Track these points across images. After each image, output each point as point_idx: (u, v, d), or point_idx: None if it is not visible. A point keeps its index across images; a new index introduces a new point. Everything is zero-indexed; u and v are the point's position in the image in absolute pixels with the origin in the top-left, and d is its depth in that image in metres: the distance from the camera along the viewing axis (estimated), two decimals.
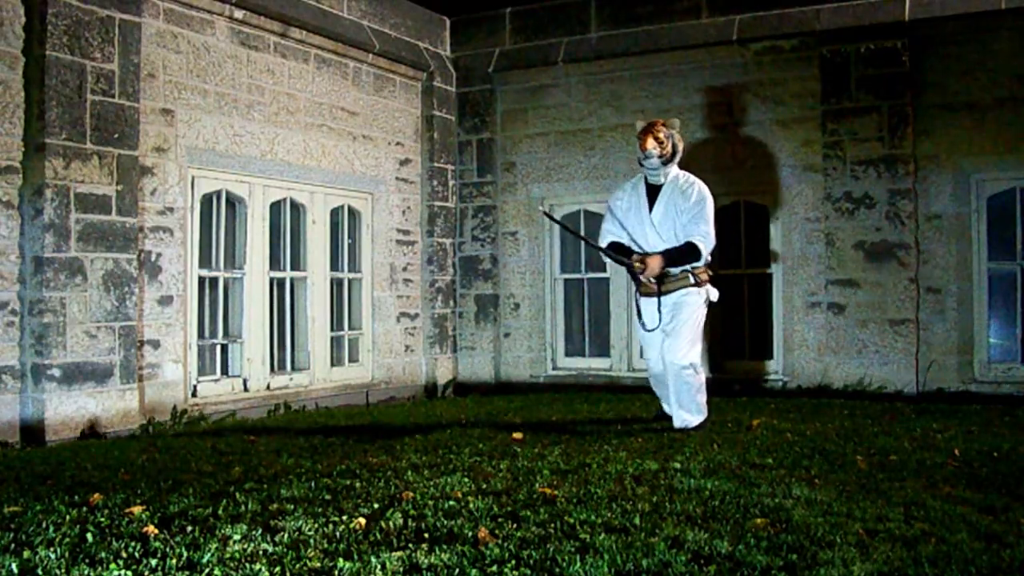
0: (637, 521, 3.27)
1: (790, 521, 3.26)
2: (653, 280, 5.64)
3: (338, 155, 8.24)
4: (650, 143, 5.62)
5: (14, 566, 2.75)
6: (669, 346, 5.65)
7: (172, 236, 6.70)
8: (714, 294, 5.79)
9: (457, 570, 2.72)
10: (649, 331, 5.77)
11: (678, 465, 4.40)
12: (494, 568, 2.72)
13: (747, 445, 5.07)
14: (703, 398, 5.80)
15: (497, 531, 3.13)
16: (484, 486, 3.91)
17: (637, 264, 5.63)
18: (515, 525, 3.22)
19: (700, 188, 5.71)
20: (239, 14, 7.21)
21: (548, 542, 2.99)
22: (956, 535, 3.08)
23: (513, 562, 2.78)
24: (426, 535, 3.09)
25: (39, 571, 2.73)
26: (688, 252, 5.63)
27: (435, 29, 9.46)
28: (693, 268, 5.67)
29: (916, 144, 7.85)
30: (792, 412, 6.68)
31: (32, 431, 5.71)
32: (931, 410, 6.79)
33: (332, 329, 8.27)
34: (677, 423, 5.74)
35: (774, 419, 6.24)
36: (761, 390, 8.20)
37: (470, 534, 3.08)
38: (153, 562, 2.78)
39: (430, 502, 3.59)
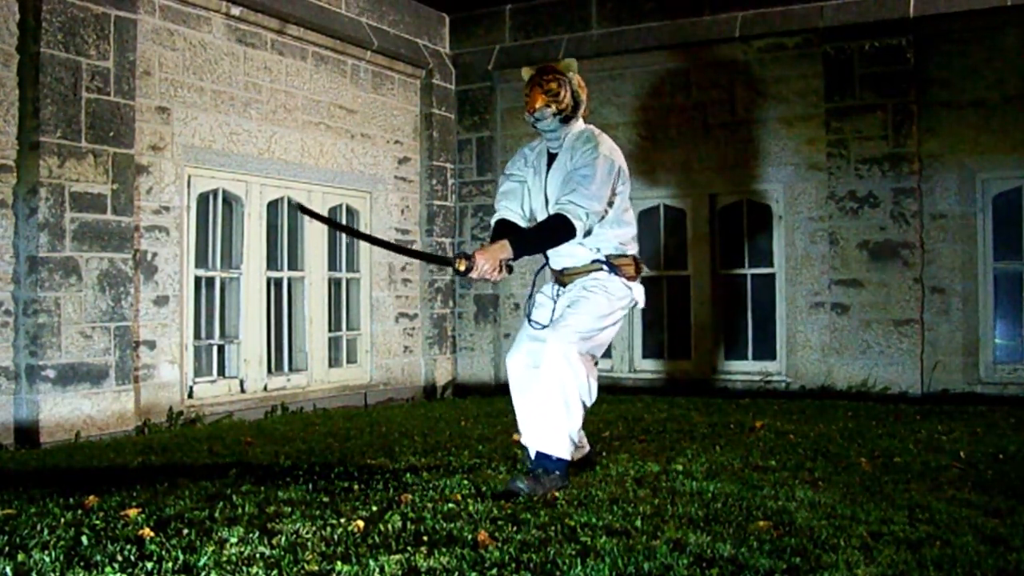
0: (638, 524, 3.24)
1: (793, 524, 3.24)
2: (493, 275, 3.79)
3: (336, 153, 8.20)
4: (539, 101, 4.03)
5: (8, 569, 2.73)
6: (549, 331, 3.96)
7: (168, 235, 6.66)
8: (640, 295, 4.17)
9: (457, 573, 2.69)
10: (540, 327, 4.10)
11: (680, 467, 4.38)
12: (494, 571, 2.70)
13: (750, 447, 5.04)
14: (575, 425, 3.90)
15: (497, 534, 3.10)
16: (484, 488, 3.88)
17: (461, 264, 3.73)
18: (515, 528, 3.19)
19: (596, 144, 4.03)
20: (236, 11, 7.16)
21: (548, 545, 2.96)
22: (961, 538, 3.05)
23: (513, 565, 2.75)
24: (425, 538, 3.06)
25: (33, 574, 2.70)
26: (555, 229, 3.87)
27: (434, 26, 9.42)
28: (610, 257, 4.08)
29: (921, 142, 7.80)
30: (795, 413, 6.65)
31: (26, 432, 5.66)
32: (936, 411, 6.75)
33: (330, 329, 8.22)
34: (525, 440, 4.03)
35: (777, 421, 6.20)
36: (764, 392, 8.16)
37: (470, 537, 3.05)
38: (149, 565, 2.75)
39: (429, 505, 3.57)
